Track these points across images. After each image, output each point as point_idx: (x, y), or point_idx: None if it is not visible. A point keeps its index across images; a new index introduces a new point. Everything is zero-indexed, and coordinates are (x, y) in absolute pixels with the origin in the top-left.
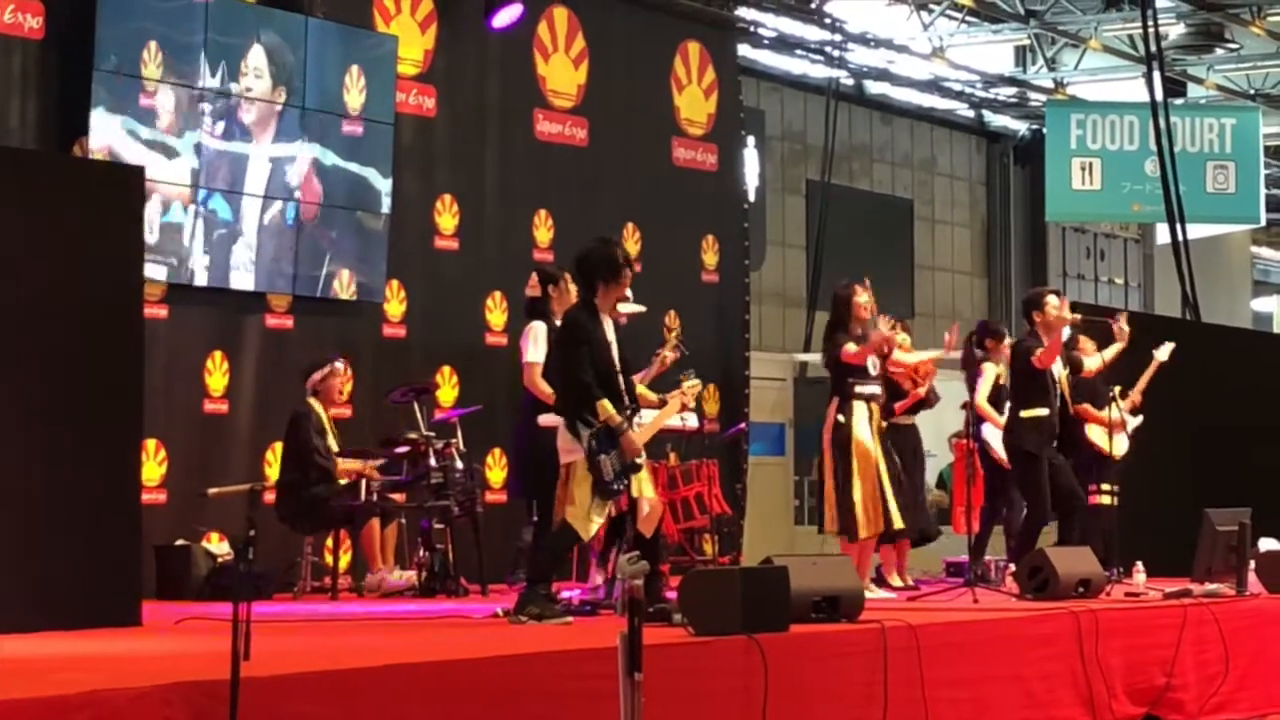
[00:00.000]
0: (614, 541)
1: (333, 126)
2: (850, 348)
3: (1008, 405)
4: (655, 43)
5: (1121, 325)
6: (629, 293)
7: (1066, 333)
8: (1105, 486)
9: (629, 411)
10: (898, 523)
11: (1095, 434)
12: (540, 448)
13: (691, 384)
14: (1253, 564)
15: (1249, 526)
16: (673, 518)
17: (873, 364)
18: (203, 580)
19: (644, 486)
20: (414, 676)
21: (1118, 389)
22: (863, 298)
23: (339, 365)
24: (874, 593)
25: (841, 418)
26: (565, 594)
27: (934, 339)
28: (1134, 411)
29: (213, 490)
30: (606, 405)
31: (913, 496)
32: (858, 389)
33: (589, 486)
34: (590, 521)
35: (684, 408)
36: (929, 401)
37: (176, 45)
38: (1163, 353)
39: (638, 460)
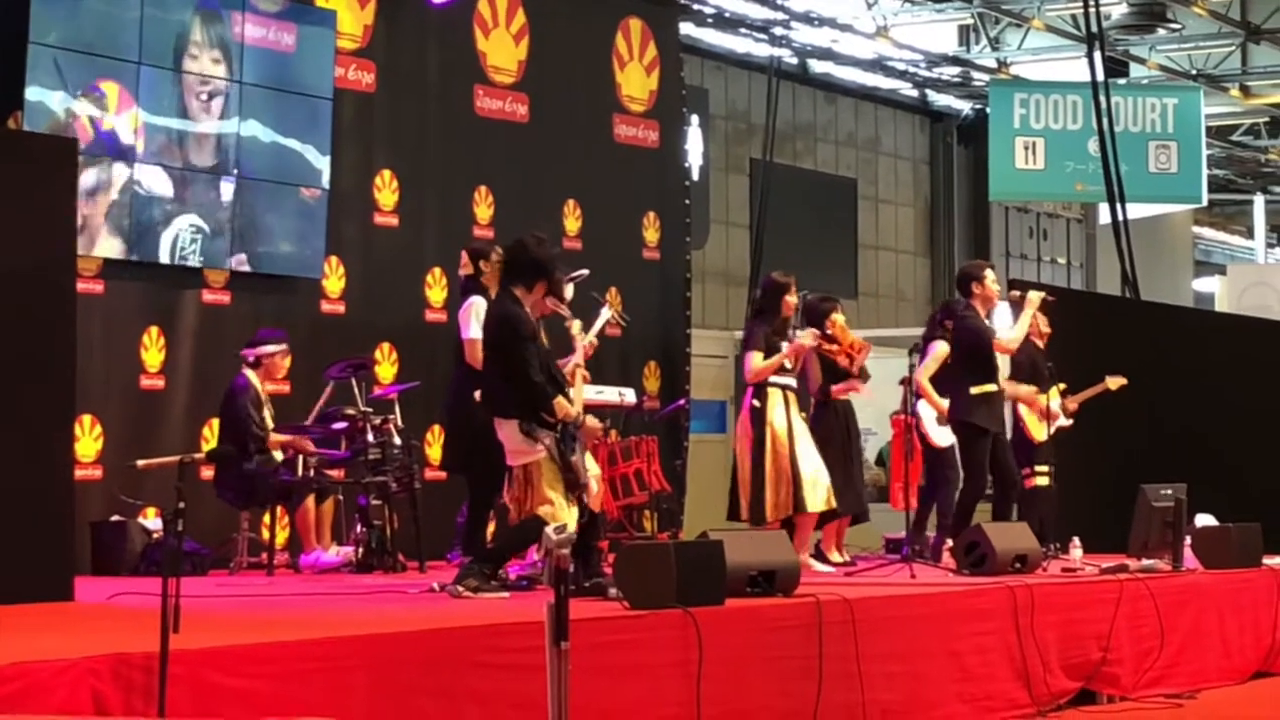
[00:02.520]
0: None
1: (271, 102)
2: (756, 362)
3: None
4: (596, 19)
5: (1028, 295)
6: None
7: (1004, 307)
8: (1040, 468)
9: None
10: (808, 505)
11: (1024, 414)
12: (475, 424)
13: (579, 329)
14: (1189, 539)
15: (1185, 502)
16: (612, 494)
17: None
18: (138, 555)
19: (589, 464)
20: (345, 649)
21: (1062, 386)
22: (793, 297)
23: (284, 345)
24: (816, 566)
25: (758, 403)
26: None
27: (877, 318)
28: (1068, 414)
29: (141, 462)
30: (563, 402)
31: (846, 475)
32: (772, 380)
33: (561, 487)
34: (569, 515)
35: (587, 354)
36: (860, 380)
37: (115, 20)
38: (1114, 383)
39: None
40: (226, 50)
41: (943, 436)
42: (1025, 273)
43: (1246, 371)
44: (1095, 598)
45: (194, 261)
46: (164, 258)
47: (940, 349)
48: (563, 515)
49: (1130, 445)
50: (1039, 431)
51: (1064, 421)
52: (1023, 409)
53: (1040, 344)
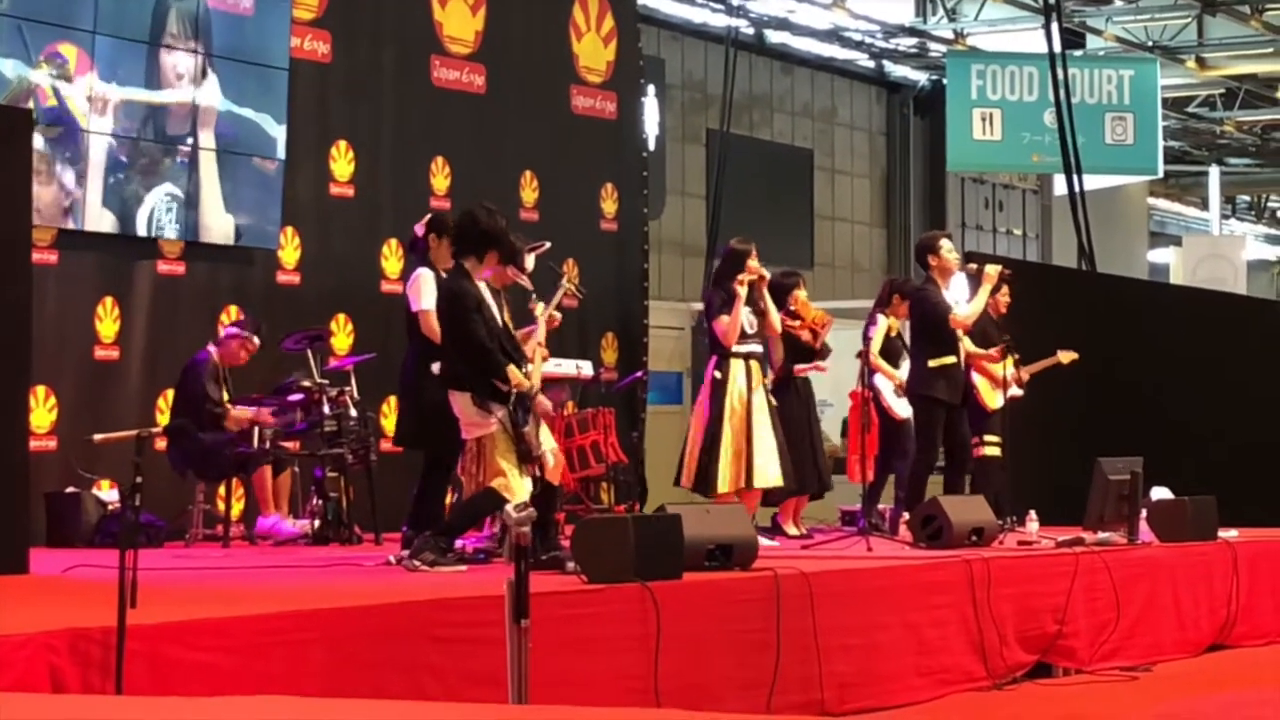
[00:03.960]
0: None
1: (227, 71)
2: (724, 323)
3: (906, 356)
4: None
5: (986, 269)
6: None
7: (961, 279)
8: (989, 438)
9: (527, 370)
10: (760, 480)
11: (978, 382)
12: (428, 398)
13: (542, 310)
14: (1144, 513)
15: (1140, 475)
16: (569, 466)
17: (749, 323)
18: (93, 527)
19: (546, 438)
20: (304, 623)
21: (1015, 358)
22: (755, 262)
23: (255, 340)
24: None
25: (719, 374)
26: (459, 542)
27: (833, 289)
28: (1019, 385)
29: (99, 436)
30: (515, 371)
31: (807, 451)
32: (735, 348)
33: (514, 456)
34: (522, 487)
35: (549, 326)
36: (822, 354)
37: None
38: (1065, 357)
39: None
40: (186, 17)
41: (903, 408)
42: (981, 244)
43: (1205, 344)
44: (1051, 571)
45: (149, 231)
46: (118, 228)
47: (883, 323)
48: (516, 486)
49: (1086, 418)
50: (992, 400)
51: (1015, 391)
52: (977, 377)
53: (994, 315)
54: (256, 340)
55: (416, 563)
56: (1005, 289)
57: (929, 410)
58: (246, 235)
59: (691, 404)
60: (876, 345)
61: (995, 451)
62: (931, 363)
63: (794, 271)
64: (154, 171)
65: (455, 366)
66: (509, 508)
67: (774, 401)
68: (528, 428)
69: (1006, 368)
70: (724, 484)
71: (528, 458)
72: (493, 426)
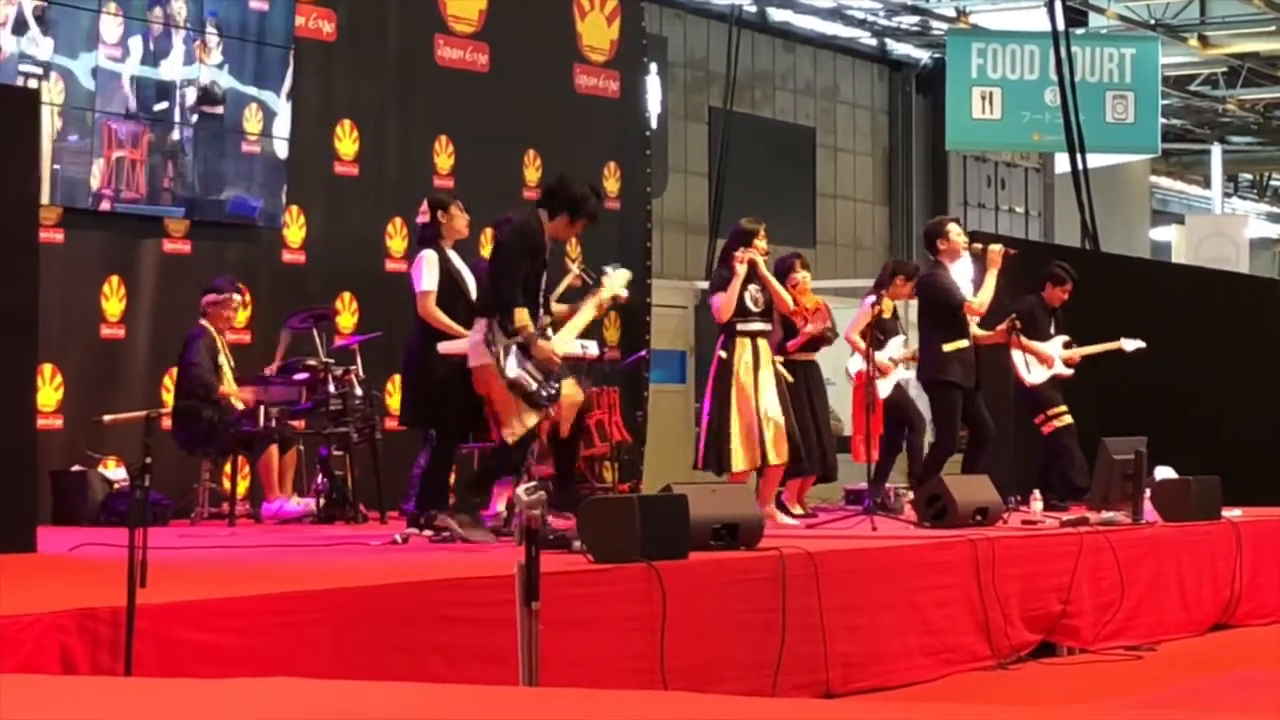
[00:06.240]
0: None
1: (231, 49)
2: (719, 298)
3: (904, 338)
4: None
5: (990, 251)
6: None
7: (966, 260)
8: (1056, 410)
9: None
10: (773, 458)
11: (1015, 359)
12: (434, 377)
13: (615, 276)
14: (1148, 492)
15: (1145, 455)
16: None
17: (753, 301)
18: (99, 505)
19: (569, 387)
20: (310, 603)
21: (1066, 339)
22: (762, 242)
23: (236, 297)
24: (781, 519)
25: (724, 354)
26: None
27: (835, 267)
28: (1068, 364)
29: (108, 417)
30: (523, 315)
31: (814, 433)
32: (740, 326)
33: (511, 395)
34: (523, 423)
35: (609, 304)
36: (827, 338)
37: None
38: (1129, 346)
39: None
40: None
41: (881, 388)
42: (984, 222)
43: (1208, 324)
44: (1056, 550)
45: (154, 210)
46: (124, 206)
47: (866, 307)
48: (516, 425)
49: (1091, 398)
50: (1037, 376)
51: (1064, 370)
52: (1014, 354)
53: (1052, 305)
54: (237, 296)
55: (451, 523)
56: (1068, 284)
57: (946, 394)
58: (250, 214)
59: (696, 383)
60: (857, 326)
61: (1066, 420)
62: (946, 347)
63: (796, 253)
64: (157, 150)
65: (487, 293)
66: (520, 490)
67: (790, 378)
68: (516, 373)
69: (1054, 346)
70: (738, 463)
71: (522, 394)
72: (489, 361)
